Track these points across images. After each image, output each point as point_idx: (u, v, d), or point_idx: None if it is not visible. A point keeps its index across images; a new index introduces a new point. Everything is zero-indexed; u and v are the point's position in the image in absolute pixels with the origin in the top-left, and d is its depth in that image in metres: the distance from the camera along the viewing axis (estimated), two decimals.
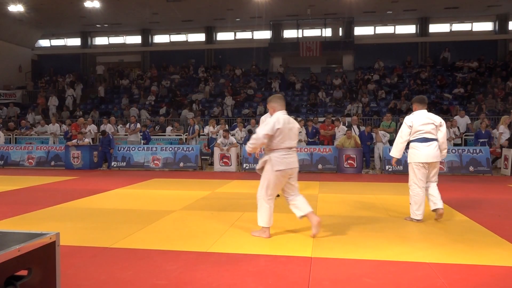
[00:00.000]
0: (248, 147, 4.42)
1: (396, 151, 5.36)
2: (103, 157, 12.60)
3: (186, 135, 14.28)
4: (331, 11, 21.43)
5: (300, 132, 12.30)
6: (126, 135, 14.10)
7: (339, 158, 11.25)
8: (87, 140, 12.45)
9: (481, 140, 11.88)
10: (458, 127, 12.34)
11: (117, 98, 21.71)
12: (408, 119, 5.29)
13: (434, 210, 5.17)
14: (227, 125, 14.28)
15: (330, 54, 23.07)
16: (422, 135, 5.15)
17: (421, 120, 5.18)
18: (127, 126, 14.06)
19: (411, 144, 5.24)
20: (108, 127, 13.89)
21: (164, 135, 14.86)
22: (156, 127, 15.48)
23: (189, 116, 16.72)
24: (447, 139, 11.69)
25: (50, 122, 16.07)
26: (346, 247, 4.05)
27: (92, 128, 13.80)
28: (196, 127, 13.79)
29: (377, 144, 11.76)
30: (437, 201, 5.12)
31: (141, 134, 13.79)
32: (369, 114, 17.36)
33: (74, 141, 12.40)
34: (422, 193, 5.14)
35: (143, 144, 13.23)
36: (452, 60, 21.51)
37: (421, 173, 5.14)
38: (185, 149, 12.16)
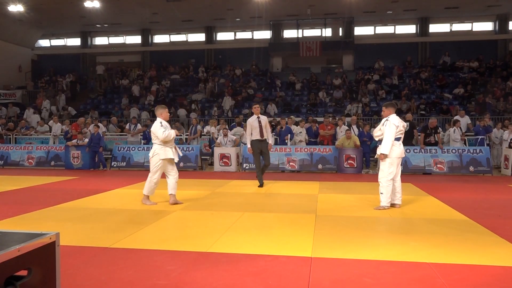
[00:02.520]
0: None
1: (388, 148, 5.89)
2: (94, 157, 12.05)
3: (187, 135, 14.27)
4: (331, 11, 21.43)
5: (300, 132, 12.32)
6: (125, 135, 14.08)
7: (339, 158, 11.25)
8: (86, 140, 12.42)
9: (480, 137, 11.89)
10: (460, 127, 12.31)
11: (117, 98, 21.71)
12: (395, 120, 5.97)
13: (393, 204, 6.05)
14: (226, 125, 14.28)
15: (330, 54, 23.06)
16: (399, 135, 6.01)
17: (400, 123, 6.01)
18: (127, 127, 14.02)
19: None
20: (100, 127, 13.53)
21: None
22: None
23: (192, 116, 16.78)
24: (460, 139, 11.83)
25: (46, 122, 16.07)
26: (346, 247, 4.05)
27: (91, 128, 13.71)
28: (199, 127, 13.80)
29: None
30: (400, 197, 6.10)
31: (141, 134, 13.78)
32: (369, 114, 17.36)
33: (74, 141, 12.40)
34: (392, 184, 6.00)
35: (144, 144, 13.23)
36: (452, 60, 21.51)
37: (395, 166, 5.96)
38: (185, 149, 12.14)
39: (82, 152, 12.10)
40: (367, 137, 11.80)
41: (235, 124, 14.48)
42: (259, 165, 8.22)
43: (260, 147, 8.09)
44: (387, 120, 5.99)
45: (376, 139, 6.22)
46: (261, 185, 8.23)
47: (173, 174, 6.38)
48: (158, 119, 6.31)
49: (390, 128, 5.89)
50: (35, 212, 5.79)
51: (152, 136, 6.32)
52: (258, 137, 8.03)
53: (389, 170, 5.91)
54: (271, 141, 8.31)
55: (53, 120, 15.38)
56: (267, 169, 8.55)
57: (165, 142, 6.19)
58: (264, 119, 8.20)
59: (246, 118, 16.93)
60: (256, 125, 8.05)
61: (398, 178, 6.08)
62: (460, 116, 13.19)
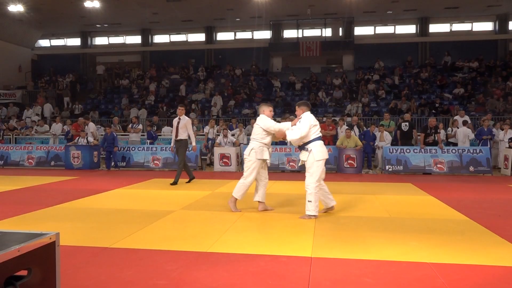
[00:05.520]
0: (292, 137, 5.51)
1: (295, 136, 5.39)
2: (109, 157, 12.03)
3: None
4: (331, 11, 21.43)
5: None
6: (124, 135, 14.11)
7: (339, 158, 11.24)
8: (93, 140, 12.36)
9: (484, 137, 11.84)
10: (458, 127, 12.34)
11: (117, 98, 21.71)
12: (310, 118, 5.44)
13: (330, 208, 5.66)
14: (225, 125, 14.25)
15: (330, 54, 23.07)
16: (319, 134, 5.51)
17: (315, 121, 5.50)
18: (130, 126, 14.06)
19: (317, 143, 5.41)
20: (92, 126, 13.39)
21: (161, 135, 14.83)
22: (153, 127, 15.46)
23: (192, 116, 16.77)
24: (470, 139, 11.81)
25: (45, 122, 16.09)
26: (346, 247, 4.05)
27: (91, 126, 13.60)
28: (194, 127, 13.76)
29: (381, 144, 11.78)
30: (332, 198, 5.68)
31: (143, 134, 13.77)
32: (369, 114, 17.37)
33: (76, 139, 12.38)
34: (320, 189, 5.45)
35: (149, 143, 13.20)
36: (452, 60, 21.52)
37: (323, 169, 5.44)
38: None
39: (82, 152, 12.10)
40: (371, 138, 11.81)
41: (231, 124, 14.46)
42: (180, 162, 8.82)
43: (176, 146, 8.70)
44: (300, 118, 5.54)
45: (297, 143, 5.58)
46: (174, 183, 8.57)
47: (262, 180, 5.85)
48: (263, 116, 5.83)
49: (305, 125, 5.36)
50: (35, 212, 5.79)
51: (256, 131, 5.82)
52: (174, 137, 8.68)
53: (319, 174, 5.35)
54: (193, 142, 8.82)
55: (56, 120, 15.43)
56: (180, 169, 8.79)
57: (267, 141, 5.75)
58: (184, 120, 8.63)
59: (246, 118, 17.02)
60: (175, 126, 8.63)
61: (323, 181, 5.60)
62: (460, 116, 13.21)
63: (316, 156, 5.34)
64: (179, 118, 8.62)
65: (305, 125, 5.37)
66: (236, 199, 5.79)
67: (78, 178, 9.88)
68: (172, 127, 9.17)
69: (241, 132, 13.29)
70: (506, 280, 3.24)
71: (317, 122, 5.53)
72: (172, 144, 8.87)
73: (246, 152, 5.81)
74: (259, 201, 5.85)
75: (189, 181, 8.90)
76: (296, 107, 5.71)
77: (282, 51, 23.71)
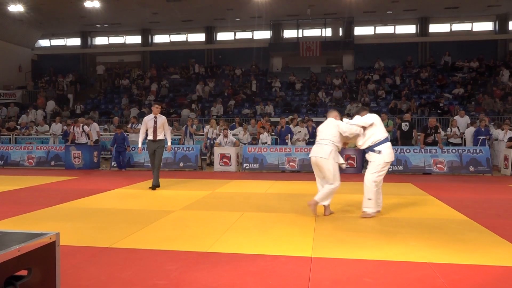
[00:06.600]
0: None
1: (355, 132, 5.48)
2: (118, 157, 11.91)
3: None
4: (331, 11, 21.43)
5: (299, 132, 12.31)
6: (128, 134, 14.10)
7: None
8: (89, 129, 12.29)
9: (481, 137, 11.82)
10: (458, 127, 12.34)
11: (117, 98, 21.72)
12: (372, 116, 5.56)
13: (377, 211, 5.52)
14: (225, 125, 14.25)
15: (330, 54, 23.06)
16: (386, 134, 5.56)
17: (380, 121, 5.57)
18: (129, 126, 14.05)
19: (386, 144, 5.43)
20: (96, 126, 13.52)
21: None
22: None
23: (192, 116, 16.78)
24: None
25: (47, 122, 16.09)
26: (346, 247, 4.05)
27: (96, 126, 13.61)
28: (194, 127, 13.76)
29: None
30: (381, 202, 5.58)
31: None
32: None
33: (72, 128, 12.36)
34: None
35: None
36: (452, 60, 21.51)
37: (386, 170, 5.48)
38: (185, 149, 12.16)
39: (83, 152, 12.10)
40: None
41: (235, 124, 14.46)
42: (153, 164, 8.09)
43: (153, 147, 7.97)
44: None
45: (363, 146, 5.58)
46: (152, 187, 7.94)
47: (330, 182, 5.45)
48: (357, 117, 5.63)
49: (366, 118, 5.49)
50: (35, 212, 5.79)
51: (332, 132, 5.50)
52: (151, 138, 7.93)
53: (381, 173, 5.38)
54: (169, 142, 8.15)
55: (56, 120, 15.43)
56: (158, 171, 8.09)
57: (342, 143, 5.59)
58: (160, 119, 7.99)
59: (246, 118, 17.02)
60: (151, 125, 7.92)
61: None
62: (460, 116, 13.21)
63: (385, 158, 5.36)
64: (155, 117, 7.92)
65: (367, 119, 5.42)
66: (318, 203, 5.41)
67: (78, 178, 9.89)
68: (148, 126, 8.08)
69: (245, 132, 13.24)
70: (506, 280, 3.24)
71: (381, 122, 5.53)
72: (140, 144, 8.12)
73: (324, 155, 5.34)
74: (324, 205, 5.50)
75: (153, 188, 7.97)
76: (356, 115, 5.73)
77: (282, 51, 23.71)
